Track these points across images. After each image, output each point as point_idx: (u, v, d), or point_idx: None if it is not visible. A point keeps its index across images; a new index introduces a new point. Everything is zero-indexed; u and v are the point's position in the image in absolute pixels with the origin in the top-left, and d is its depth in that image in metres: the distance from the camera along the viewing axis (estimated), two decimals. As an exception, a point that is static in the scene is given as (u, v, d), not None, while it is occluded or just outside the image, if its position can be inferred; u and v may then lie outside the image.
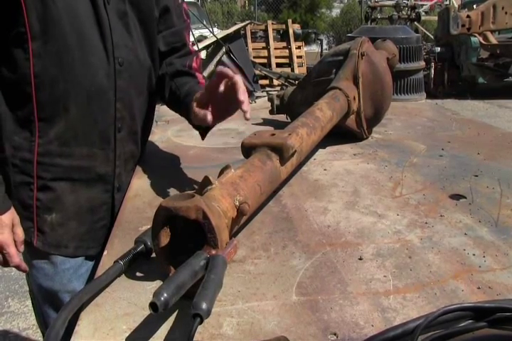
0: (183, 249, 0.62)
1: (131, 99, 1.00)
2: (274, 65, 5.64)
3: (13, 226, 0.90)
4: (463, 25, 6.11)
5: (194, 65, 1.10)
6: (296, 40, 6.09)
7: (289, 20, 6.32)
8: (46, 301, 1.02)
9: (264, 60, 5.64)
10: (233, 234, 0.72)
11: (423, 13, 8.33)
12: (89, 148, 0.95)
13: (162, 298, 0.50)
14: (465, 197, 0.93)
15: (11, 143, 0.91)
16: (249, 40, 5.74)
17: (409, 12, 7.83)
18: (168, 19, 1.06)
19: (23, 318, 2.15)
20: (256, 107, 1.80)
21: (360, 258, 0.71)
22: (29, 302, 2.21)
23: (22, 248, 0.93)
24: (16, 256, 0.91)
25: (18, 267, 0.94)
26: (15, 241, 0.91)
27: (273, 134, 0.86)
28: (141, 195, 0.96)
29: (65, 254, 0.98)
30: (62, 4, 0.86)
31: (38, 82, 0.88)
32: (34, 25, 0.85)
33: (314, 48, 9.75)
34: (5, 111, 0.91)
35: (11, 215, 0.90)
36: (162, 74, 1.09)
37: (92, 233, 1.00)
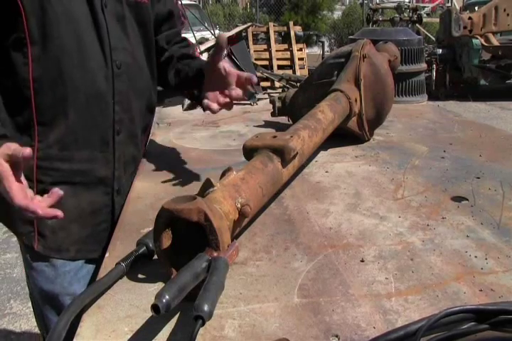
0: (185, 251, 0.62)
1: (130, 101, 1.01)
2: (275, 67, 5.64)
3: (6, 154, 0.70)
4: (465, 27, 6.12)
5: (197, 54, 1.20)
6: (297, 42, 6.09)
7: (291, 23, 6.32)
8: (47, 304, 1.02)
9: (266, 62, 5.63)
10: (235, 236, 0.72)
11: (425, 15, 8.33)
12: (89, 152, 0.96)
13: (164, 300, 0.50)
14: (467, 199, 0.93)
15: None
16: (250, 42, 5.75)
17: (410, 14, 7.83)
18: (172, 22, 1.13)
19: (25, 320, 2.16)
20: (257, 109, 1.81)
21: (362, 260, 0.71)
22: (31, 304, 2.21)
23: (28, 151, 0.69)
24: (15, 186, 0.70)
25: (26, 208, 0.70)
26: (17, 155, 0.70)
27: (275, 136, 0.86)
28: (142, 197, 0.96)
29: (66, 258, 0.98)
30: (61, 9, 0.87)
31: (37, 87, 0.88)
32: (33, 30, 0.86)
33: (316, 50, 9.77)
34: (4, 117, 0.90)
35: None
36: (168, 57, 1.13)
37: (93, 236, 1.00)
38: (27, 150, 0.70)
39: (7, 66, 0.89)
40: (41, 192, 0.92)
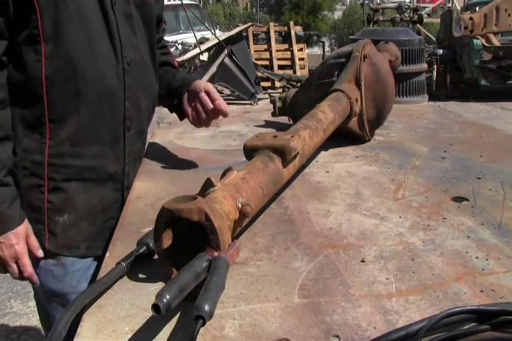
0: (186, 250, 0.62)
1: (139, 98, 1.03)
2: (276, 67, 5.63)
3: (27, 236, 0.91)
4: (465, 28, 6.11)
5: (175, 63, 1.26)
6: (298, 42, 6.08)
7: (291, 23, 6.31)
8: (54, 304, 1.01)
9: (266, 62, 5.63)
10: (235, 236, 0.72)
11: (425, 15, 8.32)
12: (99, 148, 0.97)
13: (164, 300, 0.50)
14: (467, 200, 0.93)
15: (21, 147, 0.92)
16: (251, 42, 5.74)
17: (411, 14, 7.82)
18: (159, 27, 1.16)
19: (26, 319, 2.16)
20: (258, 109, 1.81)
21: (363, 261, 0.71)
22: (31, 303, 2.21)
23: (40, 253, 0.94)
24: (29, 266, 0.92)
25: (30, 278, 0.94)
26: (30, 251, 0.92)
27: (275, 136, 0.86)
28: (143, 197, 0.96)
29: (76, 255, 0.99)
30: (73, 6, 0.88)
31: (49, 84, 0.89)
32: (47, 27, 0.87)
33: (316, 50, 9.76)
34: (14, 115, 0.91)
35: (25, 226, 0.91)
36: None
37: (103, 232, 1.00)
38: (39, 254, 0.94)
39: (18, 63, 0.89)
40: (53, 189, 0.93)
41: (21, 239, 0.89)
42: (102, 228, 1.00)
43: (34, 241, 0.93)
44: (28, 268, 0.92)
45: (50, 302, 1.02)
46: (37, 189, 0.94)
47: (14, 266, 0.91)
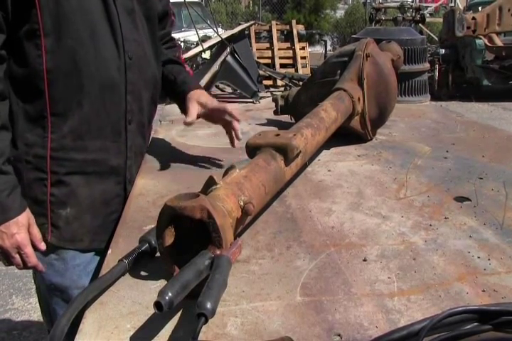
0: (188, 248, 0.62)
1: (140, 91, 1.03)
2: (277, 66, 5.63)
3: (29, 226, 0.91)
4: (468, 27, 6.10)
5: (182, 56, 1.26)
6: (300, 40, 6.08)
7: (293, 21, 6.30)
8: (56, 298, 1.02)
9: (268, 61, 5.62)
10: (237, 234, 0.72)
11: (428, 15, 8.31)
12: (102, 141, 0.97)
13: (167, 297, 0.50)
14: (470, 200, 0.93)
15: (23, 141, 0.93)
16: (253, 41, 5.74)
17: (413, 13, 7.81)
18: (165, 21, 1.17)
19: (27, 315, 2.16)
20: (260, 108, 1.81)
21: (365, 260, 0.71)
22: (33, 300, 2.21)
23: (43, 245, 0.93)
24: (33, 256, 0.91)
25: (35, 267, 0.94)
26: (32, 241, 0.91)
27: (278, 135, 0.86)
28: (145, 195, 0.96)
29: (80, 248, 0.99)
30: (75, 1, 0.89)
31: (51, 78, 0.90)
32: (47, 22, 0.87)
33: (318, 49, 9.75)
34: (16, 110, 0.92)
35: (27, 215, 0.90)
36: None
37: (105, 226, 1.00)
38: (42, 246, 0.93)
39: (20, 57, 0.90)
40: (55, 183, 0.94)
41: (23, 228, 0.89)
42: (104, 221, 1.00)
43: (36, 231, 0.92)
44: (32, 259, 0.91)
45: (52, 297, 1.02)
46: (40, 182, 0.94)
47: (17, 256, 0.90)
